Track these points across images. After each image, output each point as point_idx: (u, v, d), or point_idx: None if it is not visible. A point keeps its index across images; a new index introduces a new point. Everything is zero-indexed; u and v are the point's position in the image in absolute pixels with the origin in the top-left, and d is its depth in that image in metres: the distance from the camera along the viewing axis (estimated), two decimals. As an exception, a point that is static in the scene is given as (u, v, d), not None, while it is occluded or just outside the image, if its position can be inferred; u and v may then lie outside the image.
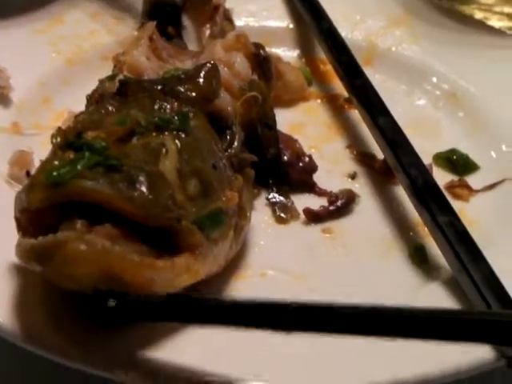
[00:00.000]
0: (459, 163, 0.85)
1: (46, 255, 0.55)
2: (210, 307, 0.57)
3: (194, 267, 0.60)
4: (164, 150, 0.62)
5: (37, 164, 0.76)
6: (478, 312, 0.61)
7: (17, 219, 0.61)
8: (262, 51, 0.85)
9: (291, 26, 1.05)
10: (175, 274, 0.59)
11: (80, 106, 0.82)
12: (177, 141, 0.64)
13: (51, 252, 0.55)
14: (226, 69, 0.78)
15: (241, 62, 0.80)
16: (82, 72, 0.93)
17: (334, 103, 0.95)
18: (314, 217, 0.77)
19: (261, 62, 0.84)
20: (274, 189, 0.80)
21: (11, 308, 0.61)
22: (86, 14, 1.02)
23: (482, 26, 1.05)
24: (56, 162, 0.59)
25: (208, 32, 0.96)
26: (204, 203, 0.63)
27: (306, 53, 1.03)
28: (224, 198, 0.65)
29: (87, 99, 0.75)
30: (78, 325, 0.60)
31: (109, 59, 0.93)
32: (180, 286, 0.60)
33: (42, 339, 0.60)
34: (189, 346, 0.60)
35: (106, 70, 0.87)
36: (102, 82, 0.76)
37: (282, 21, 1.05)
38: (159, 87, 0.71)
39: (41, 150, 0.78)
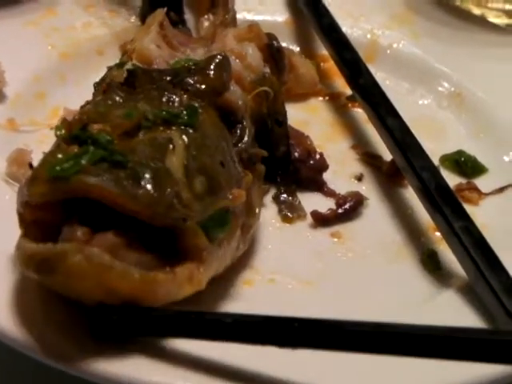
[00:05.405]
0: (467, 165, 0.83)
1: (46, 267, 0.53)
2: (213, 323, 0.56)
3: (197, 277, 0.58)
4: (171, 146, 0.60)
5: (34, 163, 0.74)
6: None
7: (19, 213, 0.58)
8: (274, 42, 0.83)
9: (289, 20, 1.02)
10: (177, 286, 0.57)
11: (74, 102, 0.80)
12: (184, 136, 0.62)
13: (51, 264, 0.53)
14: (237, 60, 0.76)
15: (253, 53, 0.78)
16: (76, 67, 0.90)
17: (335, 101, 0.93)
18: (322, 220, 0.75)
19: (273, 53, 0.82)
20: (282, 187, 0.78)
21: (12, 313, 0.58)
22: (78, 6, 0.98)
23: (482, 23, 1.03)
24: (59, 156, 0.56)
25: (206, 23, 0.94)
26: (210, 201, 0.61)
27: (306, 49, 1.00)
28: (231, 197, 0.63)
29: (94, 87, 0.73)
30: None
31: (104, 53, 0.92)
32: (182, 296, 0.58)
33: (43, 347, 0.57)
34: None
35: (102, 65, 0.84)
36: (110, 69, 0.74)
37: (279, 15, 1.03)
38: (168, 78, 0.68)
39: (37, 147, 0.76)
